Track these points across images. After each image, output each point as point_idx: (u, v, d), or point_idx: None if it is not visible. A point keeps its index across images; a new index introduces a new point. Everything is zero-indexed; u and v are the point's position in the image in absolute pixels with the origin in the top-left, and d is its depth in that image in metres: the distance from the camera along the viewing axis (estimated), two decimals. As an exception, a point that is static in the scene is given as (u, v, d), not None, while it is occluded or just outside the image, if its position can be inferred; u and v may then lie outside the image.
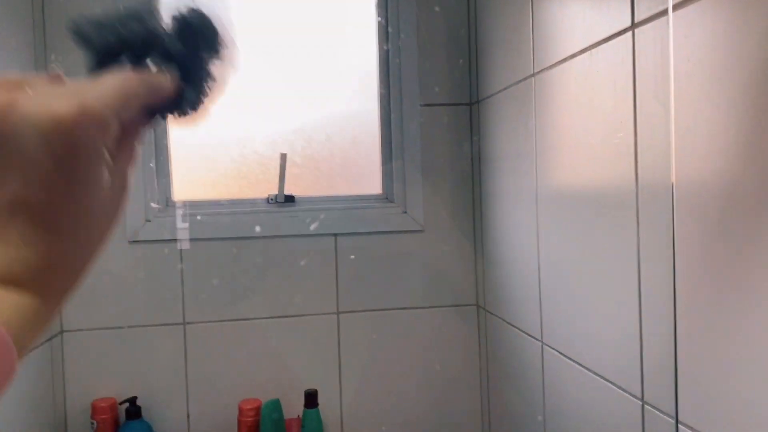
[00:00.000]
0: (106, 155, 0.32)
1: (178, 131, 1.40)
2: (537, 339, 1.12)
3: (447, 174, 1.48)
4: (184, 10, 0.40)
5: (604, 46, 0.84)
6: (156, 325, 1.38)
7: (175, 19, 0.40)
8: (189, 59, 0.40)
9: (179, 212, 1.40)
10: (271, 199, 1.41)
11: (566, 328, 1.01)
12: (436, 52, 1.46)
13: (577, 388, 0.97)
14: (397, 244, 1.46)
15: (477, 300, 1.49)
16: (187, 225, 1.39)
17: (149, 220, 1.38)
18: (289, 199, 1.42)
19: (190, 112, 0.40)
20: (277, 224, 1.40)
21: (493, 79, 1.31)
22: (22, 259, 0.30)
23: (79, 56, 0.39)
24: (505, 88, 1.24)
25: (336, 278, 1.44)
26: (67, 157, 0.30)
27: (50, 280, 0.31)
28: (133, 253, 1.38)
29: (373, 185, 1.48)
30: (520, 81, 1.15)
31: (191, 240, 1.39)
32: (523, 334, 1.19)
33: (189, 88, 0.40)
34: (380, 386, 1.46)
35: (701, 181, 0.65)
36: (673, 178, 0.69)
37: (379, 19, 1.46)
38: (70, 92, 0.31)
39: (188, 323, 1.39)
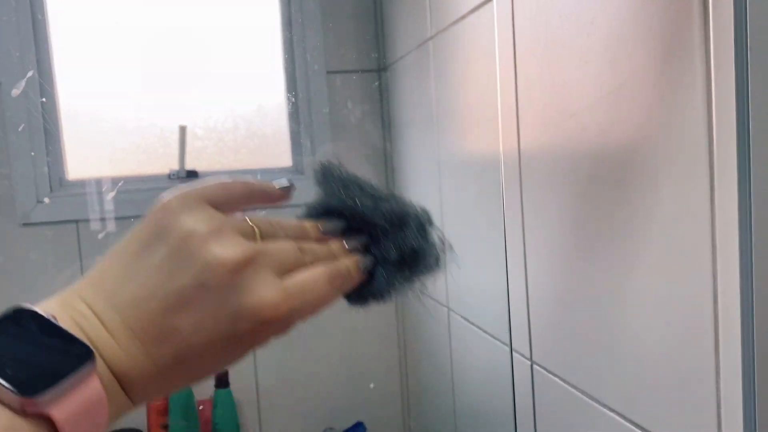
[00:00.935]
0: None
1: (66, 103, 1.31)
2: (443, 305, 1.12)
3: (358, 143, 1.44)
4: (424, 230, 0.40)
5: (489, 4, 0.82)
6: (54, 312, 1.31)
7: (405, 224, 0.39)
8: (400, 266, 0.39)
9: (74, 191, 1.32)
10: (173, 175, 1.35)
11: (462, 290, 1.01)
12: (342, 16, 1.41)
13: (471, 345, 0.97)
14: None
15: (393, 269, 1.48)
16: (84, 205, 1.31)
17: (41, 201, 1.30)
18: (192, 174, 1.36)
19: (365, 300, 0.40)
20: (181, 200, 1.34)
21: (398, 43, 1.28)
22: (143, 370, 0.32)
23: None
24: (407, 53, 1.21)
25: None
26: (248, 335, 0.33)
27: (149, 393, 0.33)
28: (25, 236, 1.30)
29: (282, 157, 1.44)
30: (420, 45, 1.12)
31: (88, 221, 1.32)
32: (432, 300, 1.19)
33: (380, 283, 0.39)
34: (297, 362, 1.44)
35: (546, 145, 0.64)
36: (520, 145, 0.68)
37: (281, -18, 1.40)
38: (288, 288, 0.34)
39: (90, 307, 1.32)
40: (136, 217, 1.21)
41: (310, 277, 0.35)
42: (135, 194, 1.33)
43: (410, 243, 0.40)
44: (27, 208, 1.29)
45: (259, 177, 0.40)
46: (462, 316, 1.03)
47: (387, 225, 0.40)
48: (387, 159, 1.44)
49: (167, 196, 0.35)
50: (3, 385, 0.26)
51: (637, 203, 0.54)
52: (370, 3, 1.42)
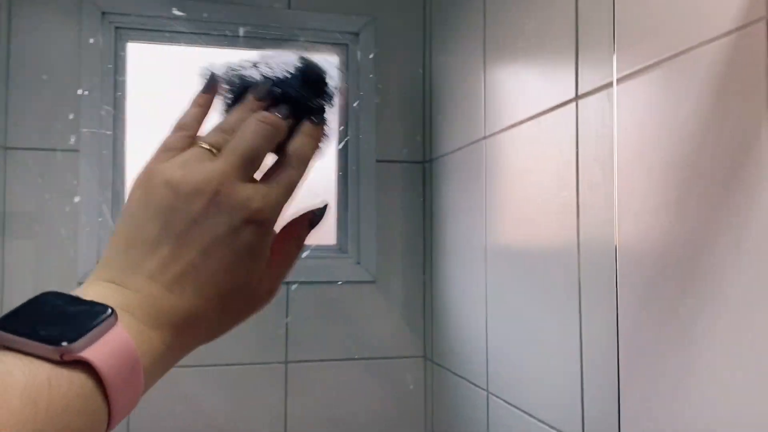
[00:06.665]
0: (268, 251, 0.40)
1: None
2: (483, 388, 1.16)
3: (400, 228, 1.53)
4: (303, 63, 0.45)
5: (550, 114, 0.92)
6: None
7: (295, 69, 0.44)
8: (308, 102, 0.44)
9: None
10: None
11: (511, 377, 1.05)
12: (393, 111, 1.53)
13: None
14: (349, 295, 1.49)
15: (425, 351, 1.52)
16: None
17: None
18: (244, 245, 1.43)
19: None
20: (230, 270, 1.41)
21: (447, 139, 1.39)
22: (173, 308, 0.35)
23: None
24: (458, 149, 1.32)
25: (285, 327, 1.45)
26: (246, 243, 0.37)
27: (187, 333, 0.36)
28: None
29: (327, 236, 1.52)
30: (473, 143, 1.23)
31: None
32: (470, 384, 1.23)
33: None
34: (326, 437, 1.45)
35: (640, 241, 0.71)
36: (617, 240, 0.75)
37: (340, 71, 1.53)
38: (261, 189, 0.38)
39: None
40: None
41: (281, 170, 0.40)
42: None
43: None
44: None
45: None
46: (504, 400, 1.07)
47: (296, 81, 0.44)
48: (427, 244, 1.52)
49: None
50: (39, 343, 0.29)
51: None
52: (420, 102, 1.55)
